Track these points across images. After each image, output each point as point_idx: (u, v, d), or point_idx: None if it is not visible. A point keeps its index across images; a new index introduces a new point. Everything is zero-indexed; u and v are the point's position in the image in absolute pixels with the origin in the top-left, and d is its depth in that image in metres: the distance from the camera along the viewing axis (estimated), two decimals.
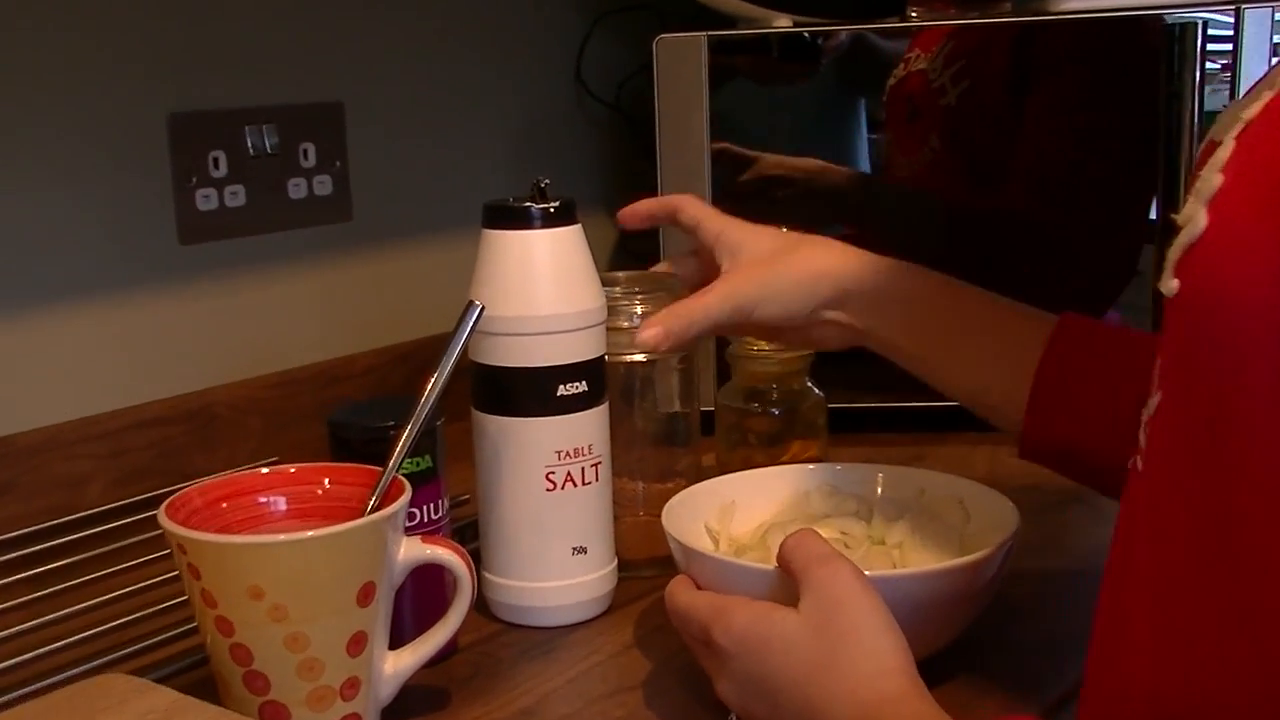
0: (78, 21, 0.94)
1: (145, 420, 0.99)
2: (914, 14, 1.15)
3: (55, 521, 0.91)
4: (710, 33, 1.07)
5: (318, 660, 0.62)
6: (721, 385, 0.96)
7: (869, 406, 1.13)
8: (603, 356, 0.78)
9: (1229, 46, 1.05)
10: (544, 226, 0.76)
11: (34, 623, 0.79)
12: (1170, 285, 0.44)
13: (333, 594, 0.62)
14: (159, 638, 0.76)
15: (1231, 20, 1.04)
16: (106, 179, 0.97)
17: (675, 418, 0.88)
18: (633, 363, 0.84)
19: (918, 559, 0.70)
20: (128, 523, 0.93)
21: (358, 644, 0.63)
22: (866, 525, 0.74)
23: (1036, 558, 0.85)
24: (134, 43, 0.97)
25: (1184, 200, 0.43)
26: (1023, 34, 1.28)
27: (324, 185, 1.11)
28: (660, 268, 0.87)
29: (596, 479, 0.78)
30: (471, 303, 0.70)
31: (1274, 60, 1.09)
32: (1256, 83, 0.47)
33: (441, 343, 0.70)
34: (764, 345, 0.92)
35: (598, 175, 1.36)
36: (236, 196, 1.05)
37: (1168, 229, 0.44)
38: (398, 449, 0.67)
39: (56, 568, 0.87)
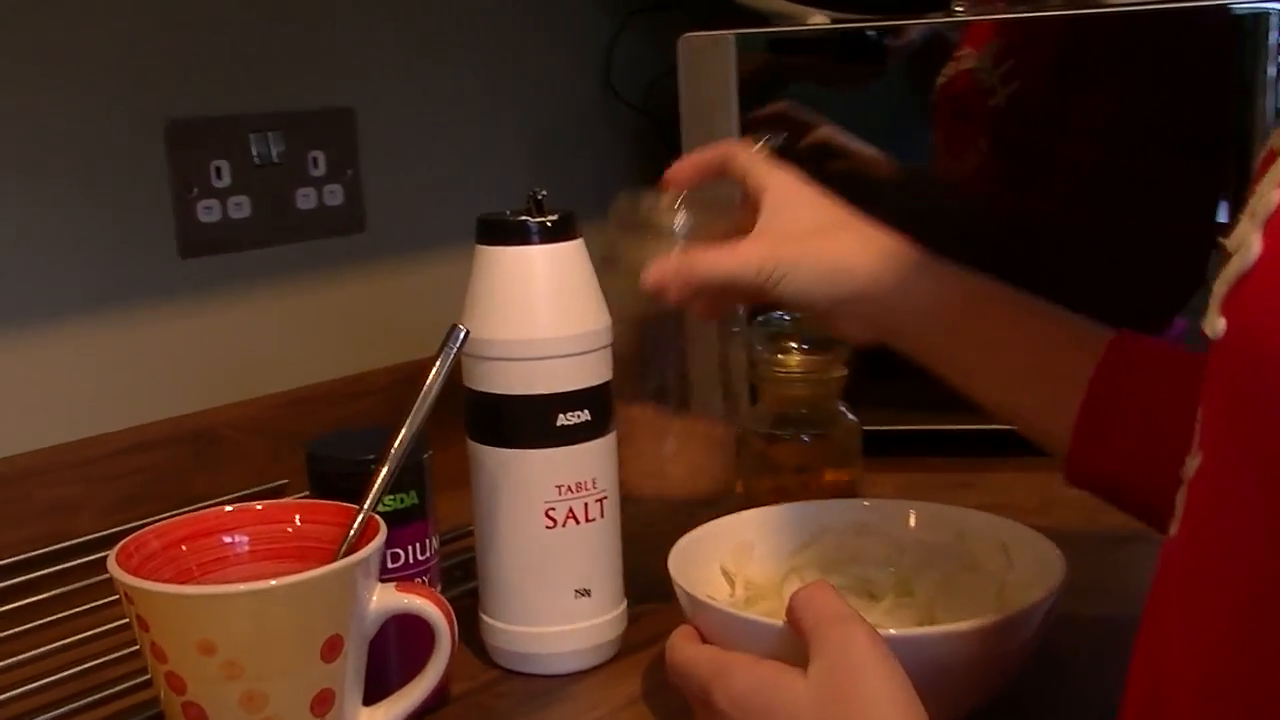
0: (67, 22, 0.89)
1: (142, 443, 0.94)
2: (959, 9, 1.08)
3: (37, 552, 0.87)
4: (738, 31, 1.00)
5: None
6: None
7: (911, 430, 1.06)
8: (608, 382, 0.72)
9: None
10: (542, 242, 0.70)
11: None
12: (1216, 325, 0.37)
13: (293, 649, 0.56)
14: (132, 682, 0.71)
15: None
16: (100, 190, 0.92)
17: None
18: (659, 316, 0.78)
19: (948, 614, 0.63)
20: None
21: (324, 703, 0.57)
22: (894, 572, 0.67)
23: (1092, 601, 0.78)
24: (129, 45, 0.92)
25: (1236, 221, 0.36)
26: (1075, 29, 1.20)
27: (335, 195, 1.05)
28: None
29: (602, 515, 0.71)
30: (455, 326, 0.64)
31: None
32: None
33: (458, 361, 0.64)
34: (792, 365, 0.85)
35: (627, 182, 1.29)
36: (241, 208, 1.00)
37: None
38: (374, 488, 0.61)
39: (38, 600, 0.82)
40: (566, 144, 1.24)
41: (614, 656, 0.74)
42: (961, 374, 0.69)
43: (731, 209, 0.75)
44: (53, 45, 0.89)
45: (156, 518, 0.91)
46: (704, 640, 0.62)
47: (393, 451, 0.62)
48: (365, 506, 0.61)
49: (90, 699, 0.70)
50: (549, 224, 0.70)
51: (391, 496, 0.65)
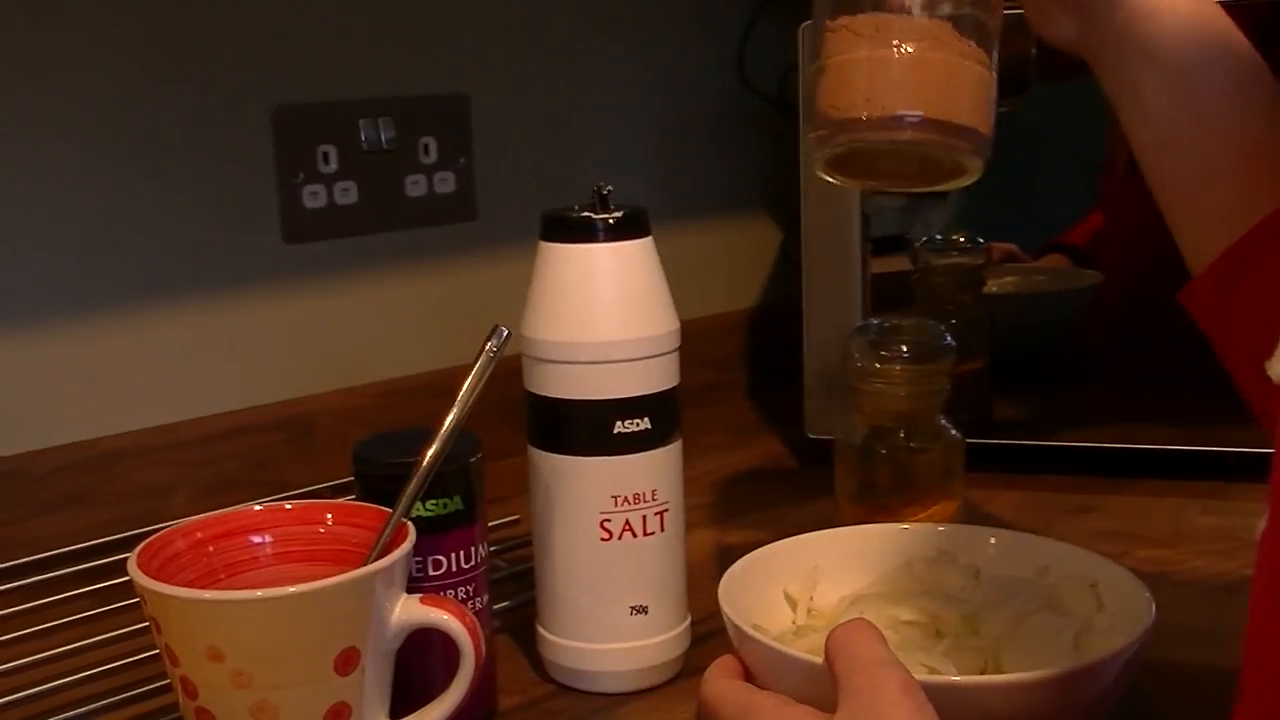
0: (172, 7, 0.89)
1: (238, 428, 0.94)
2: None
3: (129, 533, 0.87)
4: None
5: None
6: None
7: (1035, 445, 0.99)
8: (673, 389, 0.68)
9: None
10: (607, 240, 0.66)
11: (84, 642, 0.75)
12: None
13: (303, 660, 0.54)
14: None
15: None
16: (205, 174, 0.92)
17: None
18: None
19: (1015, 658, 0.58)
20: None
21: (338, 716, 0.55)
22: (965, 608, 0.62)
23: (1203, 648, 0.71)
24: (236, 28, 0.92)
25: None
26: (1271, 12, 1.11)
27: (446, 183, 1.04)
28: None
29: (662, 529, 0.68)
30: (496, 326, 0.61)
31: None
32: None
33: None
34: (893, 374, 0.80)
35: (759, 176, 1.25)
36: (348, 194, 0.99)
37: None
38: (407, 491, 0.59)
39: (120, 583, 0.83)
40: (696, 137, 1.20)
41: (674, 678, 0.70)
42: (1148, 131, 0.56)
43: None
44: (157, 31, 0.89)
45: (249, 504, 0.93)
46: (748, 672, 0.58)
47: (428, 456, 0.60)
48: (395, 513, 0.59)
49: (132, 692, 0.69)
50: (614, 221, 0.66)
51: (434, 501, 0.63)
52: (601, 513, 0.66)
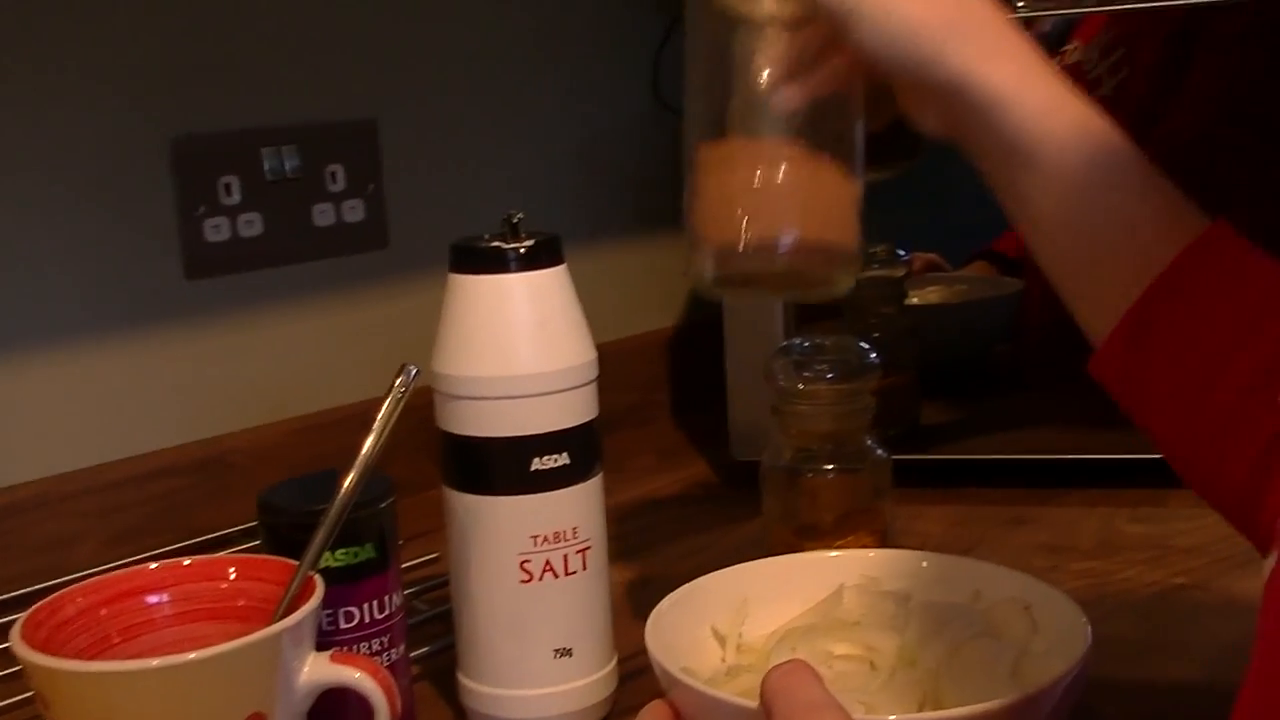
0: (67, 33, 0.86)
1: (145, 473, 0.91)
2: (1021, 4, 0.99)
3: (32, 588, 0.83)
4: None
5: None
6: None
7: (966, 459, 0.98)
8: (592, 422, 0.65)
9: None
10: (519, 270, 0.64)
11: None
12: None
13: None
14: None
15: None
16: (102, 209, 0.88)
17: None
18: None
19: (955, 688, 0.56)
20: None
21: None
22: (899, 638, 0.60)
23: (1143, 662, 0.70)
24: (131, 56, 0.89)
25: None
26: (1188, 14, 1.12)
27: (355, 211, 1.01)
28: None
29: (584, 568, 0.65)
30: (404, 366, 0.59)
31: None
32: None
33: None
34: (818, 394, 0.78)
35: (673, 194, 1.23)
36: (252, 225, 0.95)
37: None
38: (314, 542, 0.56)
39: None
40: (611, 157, 1.18)
41: None
42: (1028, 222, 0.56)
43: None
44: (50, 58, 0.85)
45: (159, 551, 0.89)
46: (679, 717, 0.55)
47: (335, 503, 0.57)
48: (302, 565, 0.56)
49: None
50: (525, 250, 0.64)
51: (345, 550, 0.60)
52: (521, 554, 0.64)
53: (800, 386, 0.78)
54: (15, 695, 0.69)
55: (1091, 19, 1.22)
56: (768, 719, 0.48)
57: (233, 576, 0.58)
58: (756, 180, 0.57)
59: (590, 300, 0.67)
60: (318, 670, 0.54)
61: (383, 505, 0.62)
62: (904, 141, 0.70)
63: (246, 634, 0.52)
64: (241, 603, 0.57)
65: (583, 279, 0.67)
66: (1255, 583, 0.40)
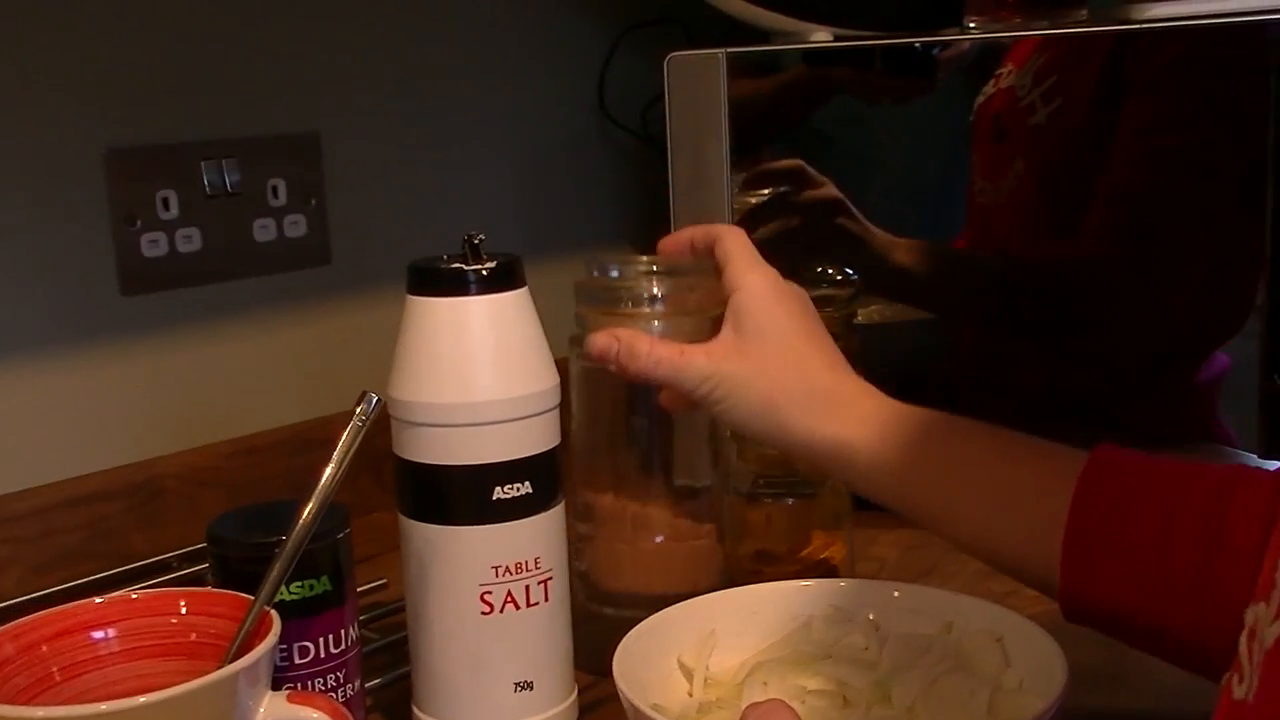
0: None
1: (77, 496, 0.87)
2: (972, 25, 1.00)
3: None
4: (729, 49, 0.92)
5: None
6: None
7: None
8: (554, 450, 0.64)
9: None
10: (480, 292, 0.62)
11: None
12: None
13: None
14: None
15: None
16: (34, 222, 0.85)
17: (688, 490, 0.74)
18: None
19: None
20: None
21: None
22: (874, 673, 0.59)
23: (1102, 693, 0.69)
24: (64, 64, 0.85)
25: None
26: (1119, 45, 1.12)
27: (297, 226, 0.98)
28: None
29: (546, 599, 0.63)
30: (365, 394, 0.56)
31: None
32: None
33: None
34: None
35: (621, 209, 1.22)
36: (191, 241, 0.92)
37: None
38: (270, 575, 0.54)
39: None
40: (556, 171, 1.16)
41: None
42: (926, 521, 0.63)
43: (708, 278, 0.69)
44: None
45: (93, 578, 0.86)
46: None
47: (293, 534, 0.54)
48: (257, 600, 0.53)
49: None
50: (487, 272, 0.62)
51: (299, 583, 0.58)
52: (482, 585, 0.62)
53: None
54: None
55: (1023, 43, 1.22)
56: None
57: (183, 611, 0.55)
58: (647, 544, 0.72)
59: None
60: (275, 711, 0.51)
61: (339, 536, 0.59)
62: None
63: (199, 672, 0.49)
64: (193, 637, 0.55)
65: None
66: None
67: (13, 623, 0.53)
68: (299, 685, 0.57)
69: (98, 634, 0.54)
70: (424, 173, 1.06)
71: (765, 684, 0.57)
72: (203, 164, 0.92)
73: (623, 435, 0.74)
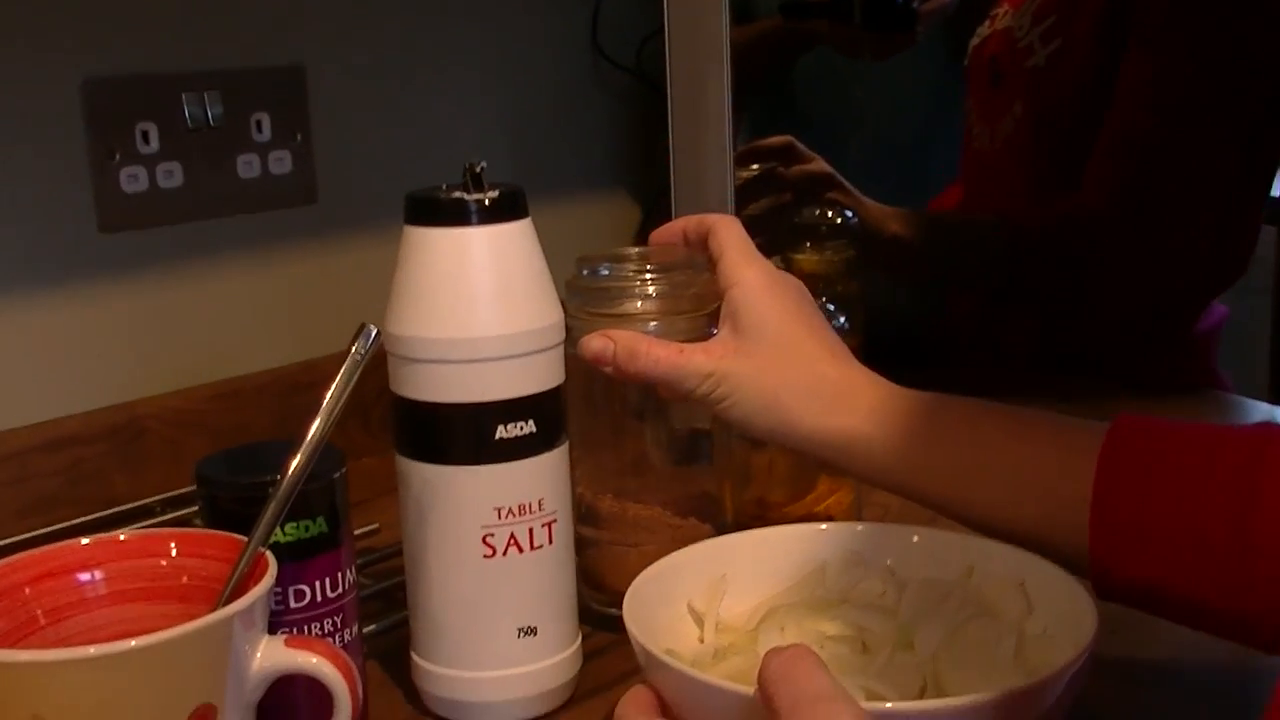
0: None
1: (57, 439, 0.84)
2: None
3: None
4: None
5: None
6: None
7: None
8: (558, 388, 0.61)
9: None
10: (482, 223, 0.59)
11: None
12: None
13: None
14: None
15: None
16: (7, 156, 0.82)
17: (699, 436, 0.72)
18: None
19: (956, 672, 0.53)
20: None
21: None
22: (894, 618, 0.57)
23: (1127, 639, 0.67)
24: None
25: None
26: None
27: (281, 162, 0.95)
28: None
29: (550, 541, 0.61)
30: (364, 326, 0.54)
31: None
32: None
33: None
34: None
35: (616, 151, 1.18)
36: (172, 176, 0.89)
37: None
38: (265, 515, 0.51)
39: None
40: (548, 109, 1.13)
41: (565, 703, 0.63)
42: (945, 509, 0.61)
43: (701, 274, 0.67)
44: None
45: (72, 523, 0.83)
46: (662, 702, 0.51)
47: (290, 472, 0.52)
48: (252, 541, 0.51)
49: None
50: (490, 202, 0.59)
51: (294, 524, 0.55)
52: (484, 527, 0.59)
53: None
54: None
55: None
56: (768, 708, 0.45)
57: (174, 553, 0.52)
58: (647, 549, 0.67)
59: None
60: (272, 656, 0.49)
61: (335, 476, 0.57)
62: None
63: (190, 616, 0.47)
64: (184, 580, 0.52)
65: None
66: None
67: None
68: (295, 630, 0.55)
69: (84, 576, 0.51)
70: (412, 110, 1.02)
71: (782, 629, 0.55)
72: (184, 96, 0.89)
73: (622, 431, 0.72)
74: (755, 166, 1.07)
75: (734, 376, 0.61)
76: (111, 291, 0.87)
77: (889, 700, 0.51)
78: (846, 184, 1.09)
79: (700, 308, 0.67)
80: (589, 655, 0.65)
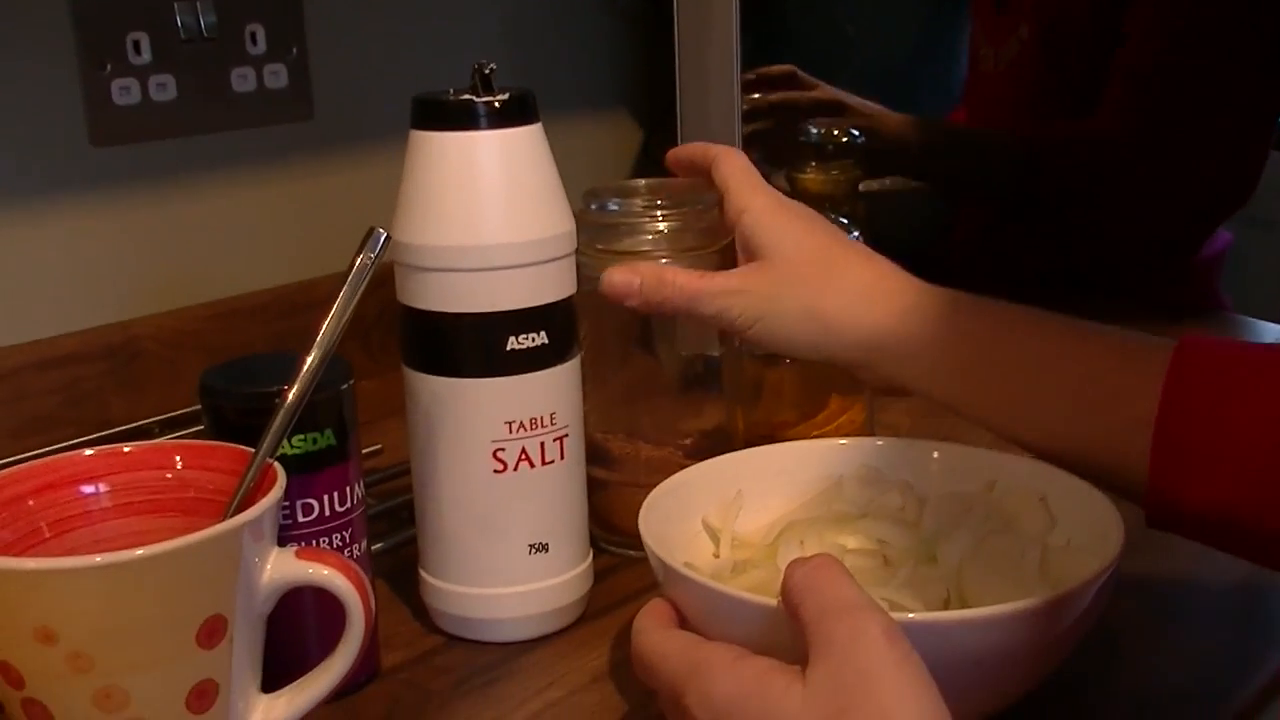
0: None
1: (52, 358, 0.83)
2: None
3: None
4: None
5: None
6: None
7: None
8: (569, 299, 0.59)
9: None
10: (492, 127, 0.57)
11: None
12: None
13: (159, 636, 0.44)
14: None
15: None
16: None
17: (697, 362, 0.70)
18: None
19: (980, 586, 0.52)
20: None
21: (203, 696, 0.46)
22: (915, 532, 0.56)
23: (1148, 558, 0.66)
24: None
25: None
26: None
27: (277, 76, 0.92)
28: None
29: (562, 457, 0.60)
30: (373, 230, 0.52)
31: None
32: None
33: None
34: None
35: (617, 68, 1.16)
36: (165, 89, 0.87)
37: None
38: (273, 426, 0.50)
39: None
40: (551, 20, 1.10)
41: (576, 621, 0.62)
42: (990, 422, 0.57)
43: (710, 209, 0.65)
44: None
45: (67, 444, 0.81)
46: (681, 616, 0.50)
47: (297, 383, 0.50)
48: (260, 452, 0.49)
49: None
50: (499, 104, 0.57)
51: (301, 436, 0.53)
52: (494, 441, 0.58)
53: None
54: None
55: None
56: (793, 618, 0.44)
57: (179, 465, 0.51)
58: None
59: None
60: (282, 568, 0.48)
61: (343, 388, 0.55)
62: None
63: (197, 528, 0.45)
64: (190, 494, 0.51)
65: None
66: None
67: None
68: (303, 544, 0.54)
69: (87, 488, 0.50)
70: (410, 25, 1.00)
71: (802, 543, 0.54)
72: (176, 5, 0.86)
73: (630, 363, 0.70)
74: (755, 95, 1.05)
75: (765, 294, 0.59)
76: (104, 207, 0.85)
77: (913, 613, 0.50)
78: (856, 103, 1.07)
79: (711, 242, 0.65)
80: (598, 575, 0.64)
